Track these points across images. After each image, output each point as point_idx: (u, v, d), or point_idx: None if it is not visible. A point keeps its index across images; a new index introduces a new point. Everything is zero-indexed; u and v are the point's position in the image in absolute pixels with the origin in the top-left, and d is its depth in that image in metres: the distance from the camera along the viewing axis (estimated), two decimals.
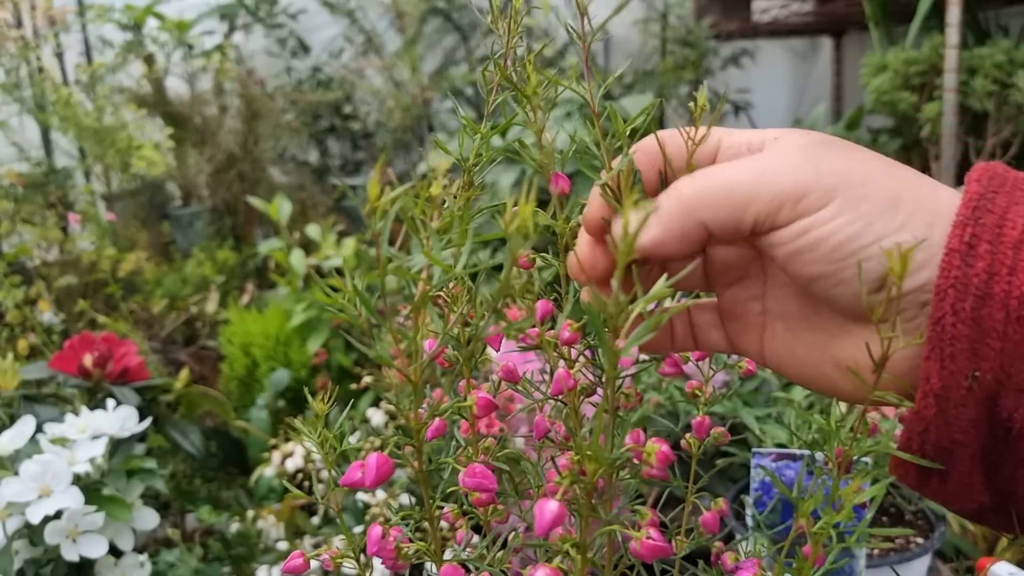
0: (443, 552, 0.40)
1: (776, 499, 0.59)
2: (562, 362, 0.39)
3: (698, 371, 0.47)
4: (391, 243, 0.29)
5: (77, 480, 0.80)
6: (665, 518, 0.46)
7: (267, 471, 1.04)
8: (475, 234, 0.32)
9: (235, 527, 1.01)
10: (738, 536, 0.59)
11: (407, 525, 0.40)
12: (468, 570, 0.40)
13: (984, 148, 1.29)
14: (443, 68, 2.42)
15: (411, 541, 0.39)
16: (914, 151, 1.44)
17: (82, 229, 1.85)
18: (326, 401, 0.40)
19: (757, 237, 0.31)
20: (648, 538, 0.32)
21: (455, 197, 0.37)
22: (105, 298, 1.71)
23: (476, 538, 0.45)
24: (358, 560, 0.42)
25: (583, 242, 0.34)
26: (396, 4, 2.42)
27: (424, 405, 0.36)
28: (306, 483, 1.02)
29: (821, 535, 0.32)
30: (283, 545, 0.96)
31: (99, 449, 0.83)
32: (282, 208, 1.65)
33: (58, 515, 0.77)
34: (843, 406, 0.49)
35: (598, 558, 0.38)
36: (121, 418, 0.90)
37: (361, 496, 0.92)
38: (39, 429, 0.86)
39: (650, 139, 0.34)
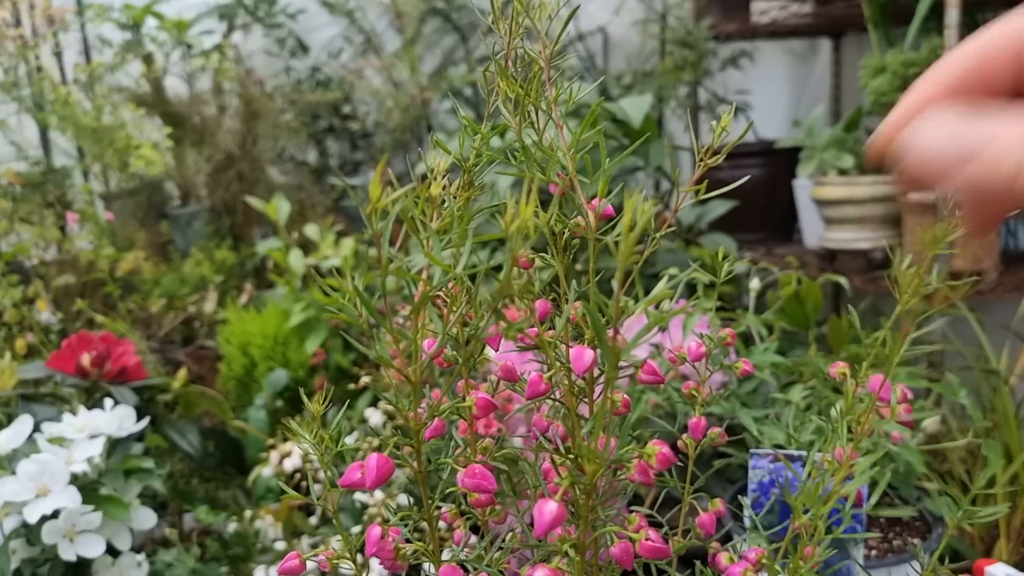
0: (441, 552, 0.40)
1: (773, 499, 0.59)
2: (536, 366, 0.39)
3: (695, 372, 0.47)
4: (391, 243, 0.29)
5: (75, 480, 0.80)
6: (662, 519, 0.46)
7: (265, 471, 1.04)
8: (475, 234, 0.32)
9: (233, 527, 1.01)
10: (736, 537, 0.59)
11: (405, 525, 0.40)
12: (466, 570, 0.40)
13: None
14: (442, 68, 2.42)
15: (409, 541, 0.39)
16: None
17: (80, 228, 1.85)
18: (323, 401, 0.40)
19: None
20: (647, 539, 0.32)
21: (454, 197, 0.37)
22: (103, 297, 1.71)
23: (474, 538, 0.45)
24: (354, 561, 0.42)
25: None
26: (396, 4, 2.41)
27: (423, 405, 0.36)
28: (304, 483, 1.02)
29: (812, 528, 0.32)
30: (281, 545, 0.96)
31: (97, 449, 0.83)
32: (281, 208, 1.65)
33: (55, 515, 0.77)
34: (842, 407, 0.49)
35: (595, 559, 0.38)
36: (119, 418, 0.90)
37: (359, 496, 0.92)
38: (37, 428, 0.85)
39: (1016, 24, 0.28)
